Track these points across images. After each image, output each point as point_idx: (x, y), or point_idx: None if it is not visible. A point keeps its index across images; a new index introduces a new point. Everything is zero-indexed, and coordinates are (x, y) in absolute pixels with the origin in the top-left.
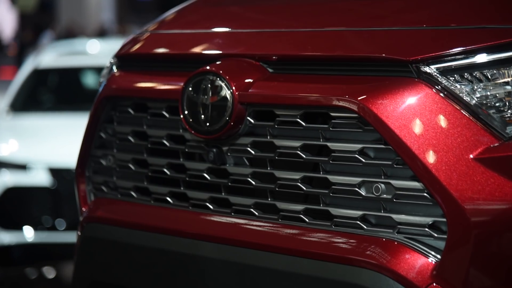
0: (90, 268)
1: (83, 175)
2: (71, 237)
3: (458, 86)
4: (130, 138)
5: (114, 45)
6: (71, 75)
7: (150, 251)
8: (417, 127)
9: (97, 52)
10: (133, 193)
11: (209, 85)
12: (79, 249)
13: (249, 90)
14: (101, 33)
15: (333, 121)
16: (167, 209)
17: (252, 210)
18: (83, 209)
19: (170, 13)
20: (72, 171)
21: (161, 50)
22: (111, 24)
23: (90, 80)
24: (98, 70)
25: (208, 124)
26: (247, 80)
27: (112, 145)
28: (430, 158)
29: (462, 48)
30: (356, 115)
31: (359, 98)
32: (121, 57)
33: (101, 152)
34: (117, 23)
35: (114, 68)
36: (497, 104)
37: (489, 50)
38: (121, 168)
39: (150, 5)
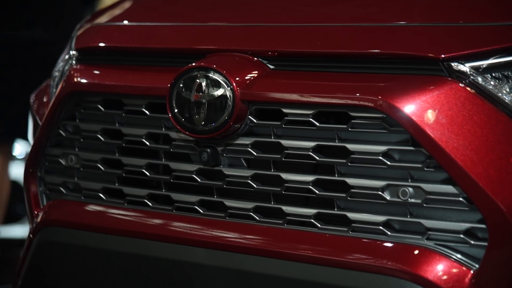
0: (45, 274)
1: (34, 176)
2: None
3: (495, 85)
4: (100, 136)
5: None
6: None
7: (118, 256)
8: (452, 128)
9: None
10: (101, 195)
11: (204, 82)
12: (32, 254)
13: (253, 87)
14: None
15: (352, 121)
16: (143, 212)
17: (251, 214)
18: (35, 212)
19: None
20: None
21: (138, 44)
22: None
23: None
24: None
25: (203, 123)
26: (248, 77)
27: (74, 144)
28: (468, 160)
29: (496, 46)
30: (380, 115)
31: (386, 97)
32: (83, 50)
33: (59, 151)
34: None
35: (74, 61)
36: None
37: None
38: (86, 168)
39: None
